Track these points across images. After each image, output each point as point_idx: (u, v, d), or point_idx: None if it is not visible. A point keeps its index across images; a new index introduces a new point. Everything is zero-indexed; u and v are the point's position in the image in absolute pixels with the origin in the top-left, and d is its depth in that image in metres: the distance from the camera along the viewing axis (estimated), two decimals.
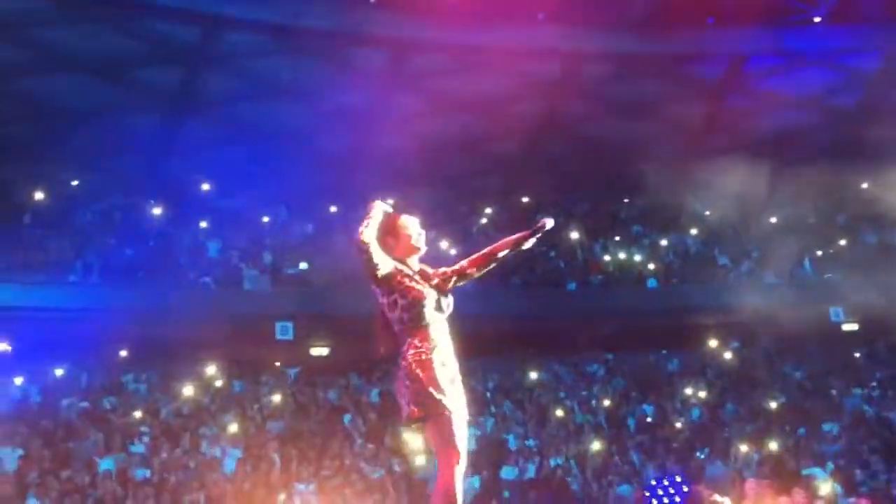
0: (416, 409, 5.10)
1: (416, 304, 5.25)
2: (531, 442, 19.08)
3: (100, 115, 24.08)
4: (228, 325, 20.32)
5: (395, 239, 5.57)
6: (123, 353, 20.75)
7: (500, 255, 5.66)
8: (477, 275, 5.67)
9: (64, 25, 22.58)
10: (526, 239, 5.66)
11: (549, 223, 5.71)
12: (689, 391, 21.94)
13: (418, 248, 5.58)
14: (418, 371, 5.12)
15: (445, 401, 5.12)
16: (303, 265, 22.58)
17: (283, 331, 20.60)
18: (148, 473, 16.08)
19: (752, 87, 27.86)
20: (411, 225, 5.64)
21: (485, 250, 5.72)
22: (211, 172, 25.42)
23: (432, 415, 5.09)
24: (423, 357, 5.17)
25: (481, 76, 26.29)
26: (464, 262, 5.66)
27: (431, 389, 5.10)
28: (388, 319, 5.34)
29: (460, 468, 5.14)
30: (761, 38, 26.44)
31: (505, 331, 22.02)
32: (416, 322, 5.23)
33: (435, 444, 5.20)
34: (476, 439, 19.13)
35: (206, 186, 25.41)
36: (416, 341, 5.20)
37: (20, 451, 15.80)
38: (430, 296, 5.32)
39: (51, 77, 23.30)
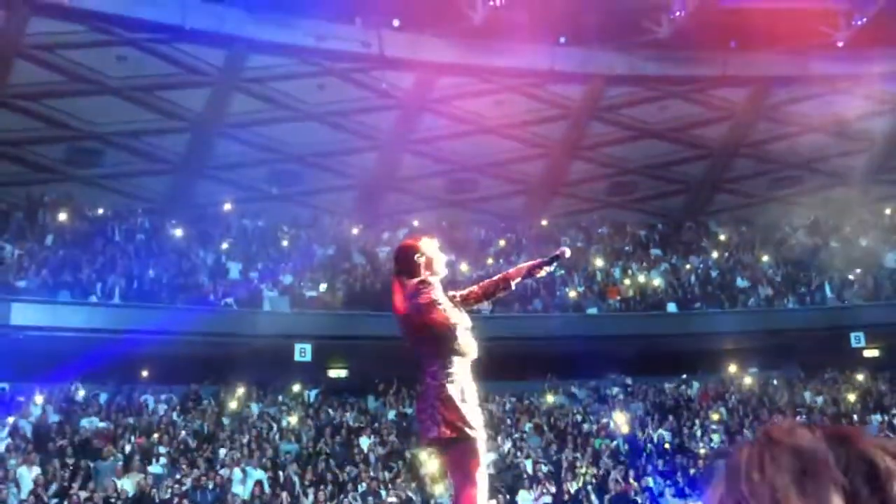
0: (447, 430, 4.98)
1: (452, 329, 5.13)
2: (549, 467, 18.98)
3: (126, 137, 24.44)
4: (248, 346, 20.46)
5: (420, 264, 5.40)
6: (144, 374, 20.91)
7: (514, 282, 5.57)
8: (486, 301, 5.61)
9: (94, 48, 22.96)
10: (541, 267, 5.58)
11: (567, 252, 5.67)
12: (708, 416, 21.76)
13: (440, 272, 5.42)
14: (451, 392, 5.02)
15: (475, 424, 5.07)
16: (322, 287, 22.69)
17: (302, 352, 20.70)
18: (167, 495, 16.15)
19: (779, 110, 27.76)
20: (434, 248, 5.45)
21: (498, 276, 5.65)
22: (233, 194, 25.69)
23: (462, 438, 5.01)
24: (454, 379, 5.07)
25: (505, 98, 26.44)
26: (475, 287, 5.57)
27: (464, 412, 5.02)
28: (411, 335, 5.24)
29: (482, 494, 5.06)
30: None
31: (523, 354, 22.01)
32: (449, 345, 5.13)
33: (459, 467, 5.10)
34: (492, 463, 19.10)
35: (227, 207, 25.61)
36: (445, 362, 5.08)
37: (38, 470, 15.90)
38: (463, 320, 5.24)
39: (80, 99, 23.64)
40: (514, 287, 5.61)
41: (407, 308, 5.19)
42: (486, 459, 5.18)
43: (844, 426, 1.46)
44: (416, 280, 5.22)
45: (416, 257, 5.29)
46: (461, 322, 5.18)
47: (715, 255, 26.87)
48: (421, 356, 5.17)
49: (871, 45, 24.63)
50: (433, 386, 5.07)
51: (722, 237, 27.47)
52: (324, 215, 26.32)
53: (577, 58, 25.70)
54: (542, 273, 5.59)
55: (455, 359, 5.12)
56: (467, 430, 5.03)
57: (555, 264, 5.56)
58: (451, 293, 5.43)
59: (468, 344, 5.17)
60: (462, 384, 5.11)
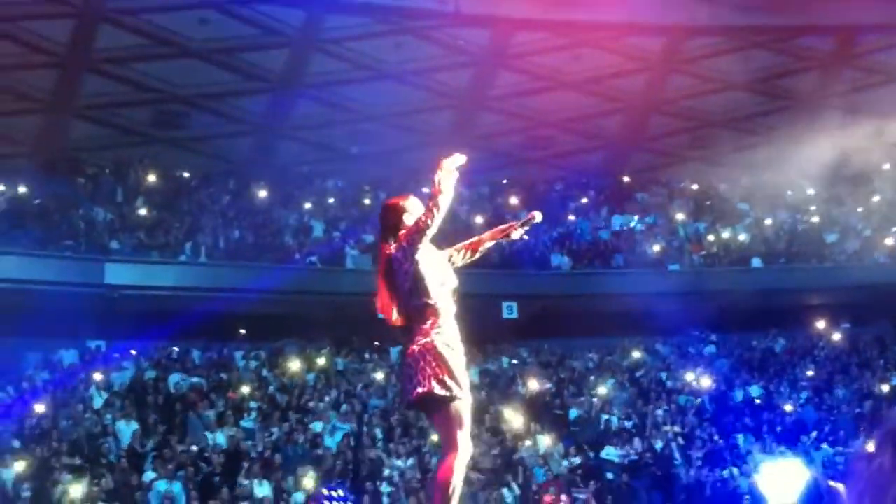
0: (439, 388, 4.90)
1: (424, 280, 5.06)
2: (633, 422, 18.96)
3: (209, 99, 24.81)
4: (333, 304, 20.74)
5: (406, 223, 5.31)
6: (232, 331, 21.37)
7: (483, 247, 5.45)
8: (460, 264, 5.42)
9: (177, 11, 23.29)
10: (513, 229, 5.42)
11: (538, 217, 5.43)
12: (796, 372, 21.48)
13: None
14: (443, 351, 4.96)
15: (464, 384, 5.00)
16: None
17: None
18: (259, 448, 16.55)
19: (866, 59, 26.95)
20: (420, 207, 5.29)
21: (471, 240, 5.51)
22: (315, 154, 25.92)
23: (451, 398, 4.94)
24: (445, 337, 5.01)
25: (583, 52, 26.12)
26: (451, 249, 5.44)
27: (456, 371, 4.96)
28: (397, 290, 5.11)
29: (466, 456, 5.00)
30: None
31: (608, 310, 21.94)
32: (427, 298, 5.02)
33: (448, 427, 5.00)
34: (577, 419, 19.17)
35: (309, 167, 25.87)
36: (433, 320, 5.02)
37: (135, 425, 16.43)
38: (443, 277, 5.17)
39: (165, 62, 24.03)
40: (479, 254, 5.44)
41: (397, 263, 5.10)
42: (469, 423, 5.04)
43: None
44: (403, 234, 5.14)
45: (403, 216, 5.23)
46: (441, 279, 5.13)
47: (806, 208, 26.30)
48: (410, 312, 5.07)
49: None
50: (424, 343, 4.99)
51: (811, 191, 26.86)
52: (403, 174, 26.42)
53: (657, 9, 25.22)
54: (515, 236, 5.45)
55: (444, 317, 5.06)
56: (456, 390, 4.96)
57: (525, 228, 5.41)
58: (447, 250, 5.36)
59: (446, 301, 5.10)
60: (452, 343, 5.06)
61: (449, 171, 5.04)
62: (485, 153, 27.36)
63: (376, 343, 21.76)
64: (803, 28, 26.01)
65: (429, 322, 5.02)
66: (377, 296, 5.16)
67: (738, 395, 20.39)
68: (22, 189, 22.14)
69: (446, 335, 5.03)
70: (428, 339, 4.98)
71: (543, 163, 28.06)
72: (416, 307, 5.04)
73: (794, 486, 16.19)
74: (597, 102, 27.24)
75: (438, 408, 4.98)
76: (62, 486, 14.20)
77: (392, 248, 5.12)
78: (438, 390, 4.91)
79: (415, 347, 4.99)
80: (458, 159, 5.06)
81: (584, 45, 26.22)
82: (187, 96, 24.61)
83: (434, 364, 4.94)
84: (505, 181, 27.22)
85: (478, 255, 5.46)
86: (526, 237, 5.59)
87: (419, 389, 4.94)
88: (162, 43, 23.74)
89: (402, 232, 5.12)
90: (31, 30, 22.86)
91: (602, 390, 20.13)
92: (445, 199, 5.00)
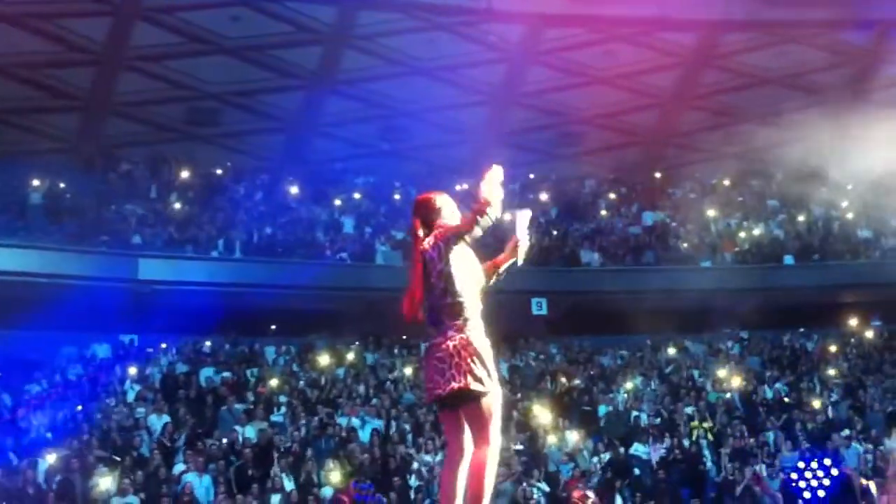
0: (474, 383, 4.94)
1: (458, 280, 5.05)
2: (663, 419, 18.88)
3: (242, 96, 25.05)
4: (363, 299, 20.87)
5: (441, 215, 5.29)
6: (263, 326, 21.55)
7: (500, 270, 5.32)
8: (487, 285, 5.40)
9: (209, 9, 23.54)
10: (515, 245, 5.27)
11: (526, 217, 5.30)
12: (828, 370, 21.27)
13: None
14: (478, 347, 5.00)
15: (495, 379, 5.06)
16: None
17: None
18: (288, 442, 16.68)
19: None
20: (453, 205, 5.32)
21: (486, 263, 5.34)
22: (346, 150, 26.08)
23: (486, 392, 4.98)
24: (477, 333, 5.04)
25: (616, 48, 26.04)
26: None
27: (490, 366, 5.02)
28: (430, 286, 5.06)
29: (497, 449, 5.05)
30: None
31: (638, 307, 21.86)
32: (460, 297, 5.03)
33: (481, 421, 5.02)
34: (606, 415, 19.13)
35: (341, 164, 26.01)
36: (466, 317, 5.04)
37: (167, 418, 16.64)
38: (481, 275, 5.21)
39: (198, 59, 24.30)
40: (496, 277, 5.34)
41: (431, 263, 5.06)
42: (499, 417, 5.08)
43: None
44: (439, 233, 5.11)
45: (434, 212, 5.20)
46: (476, 277, 5.14)
47: (841, 204, 26.03)
48: (443, 309, 5.06)
49: None
50: (460, 339, 5.00)
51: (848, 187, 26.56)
52: (433, 170, 26.48)
53: (690, 4, 25.06)
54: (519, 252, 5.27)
55: (476, 314, 5.09)
56: (489, 385, 5.00)
57: (525, 235, 5.27)
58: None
59: (477, 299, 5.12)
60: (484, 340, 5.10)
61: (494, 184, 4.96)
62: (516, 149, 27.41)
63: (405, 338, 21.85)
64: (838, 22, 25.71)
65: (462, 318, 5.04)
66: (407, 290, 5.12)
67: (769, 393, 20.24)
68: (58, 184, 22.48)
69: (479, 331, 5.08)
70: (463, 335, 5.00)
71: (575, 159, 28.01)
72: (449, 305, 5.06)
73: (826, 483, 16.16)
74: (629, 98, 27.14)
75: (471, 403, 5.02)
76: (94, 479, 14.41)
77: (427, 244, 5.10)
78: (474, 385, 4.95)
79: (449, 343, 5.00)
80: (499, 172, 4.97)
81: (616, 40, 26.15)
82: (220, 93, 24.90)
83: (469, 360, 4.97)
84: (535, 177, 27.18)
85: (497, 277, 5.37)
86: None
87: (453, 385, 4.96)
88: (195, 40, 24.04)
89: (439, 230, 5.11)
90: (69, 28, 23.25)
91: (631, 386, 20.06)
92: (493, 212, 4.95)
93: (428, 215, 5.22)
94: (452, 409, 5.07)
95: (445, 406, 5.11)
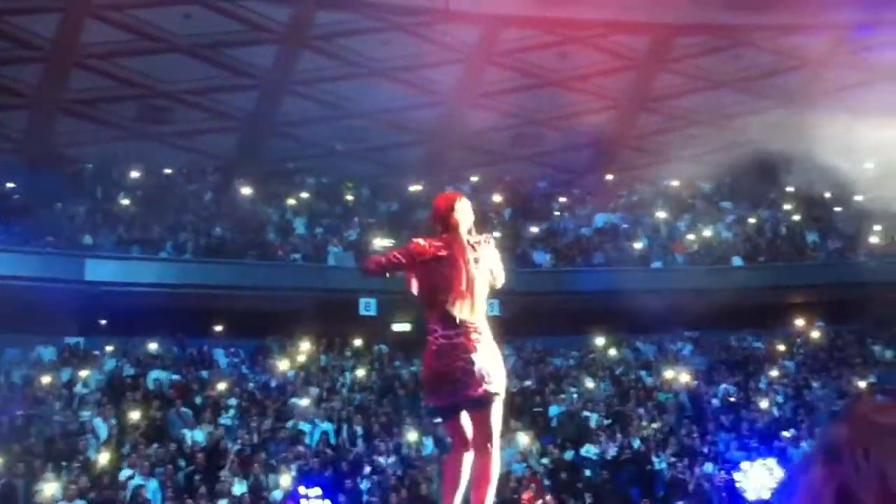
0: (497, 386, 5.03)
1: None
2: (613, 420, 19.00)
3: (194, 95, 24.81)
4: (314, 301, 20.79)
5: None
6: (213, 328, 21.39)
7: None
8: None
9: (161, 7, 23.29)
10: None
11: None
12: (775, 370, 21.54)
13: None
14: (497, 351, 5.13)
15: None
16: (387, 242, 22.85)
17: (367, 307, 20.96)
18: (238, 445, 16.54)
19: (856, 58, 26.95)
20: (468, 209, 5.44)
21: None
22: (300, 150, 25.94)
23: (502, 395, 5.08)
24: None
25: (571, 50, 26.15)
26: None
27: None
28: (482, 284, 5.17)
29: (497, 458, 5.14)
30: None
31: (589, 308, 21.99)
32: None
33: (497, 424, 5.10)
34: (557, 416, 19.21)
35: (294, 164, 25.88)
36: (482, 314, 5.13)
37: (114, 422, 16.43)
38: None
39: (150, 57, 24.04)
40: None
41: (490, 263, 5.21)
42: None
43: None
44: (481, 235, 5.26)
45: (457, 213, 5.25)
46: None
47: (786, 207, 26.39)
48: (479, 304, 5.14)
49: None
50: (489, 340, 5.10)
51: (792, 189, 26.95)
52: (388, 171, 26.45)
53: (644, 7, 25.23)
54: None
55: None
56: (504, 387, 5.12)
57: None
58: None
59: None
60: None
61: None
62: (470, 151, 27.46)
63: (357, 340, 21.81)
64: (789, 26, 26.01)
65: (485, 321, 5.14)
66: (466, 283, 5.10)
67: (717, 393, 20.45)
68: (5, 184, 22.13)
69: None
70: (491, 338, 5.10)
71: (529, 160, 28.10)
72: (483, 308, 5.15)
73: (770, 484, 16.34)
74: (583, 100, 27.25)
75: (492, 406, 5.08)
76: (38, 484, 14.20)
77: (479, 244, 5.18)
78: (498, 390, 5.06)
79: (476, 345, 5.03)
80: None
81: (571, 42, 26.25)
82: (172, 92, 24.62)
83: (497, 361, 5.10)
84: (489, 178, 27.24)
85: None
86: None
87: (496, 387, 5.05)
88: (147, 38, 23.76)
89: (486, 237, 5.26)
90: (17, 24, 22.88)
91: (582, 388, 20.16)
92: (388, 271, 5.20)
93: (437, 217, 5.30)
94: (472, 410, 5.07)
95: (465, 407, 5.10)
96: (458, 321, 5.02)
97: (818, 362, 21.94)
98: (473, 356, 4.99)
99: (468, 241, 5.14)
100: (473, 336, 5.02)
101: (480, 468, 5.10)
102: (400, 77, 25.76)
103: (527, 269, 23.08)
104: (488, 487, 5.08)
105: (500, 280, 5.29)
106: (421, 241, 5.23)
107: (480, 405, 5.05)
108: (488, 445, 5.08)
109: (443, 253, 5.11)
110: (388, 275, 5.28)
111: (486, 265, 5.17)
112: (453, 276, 5.05)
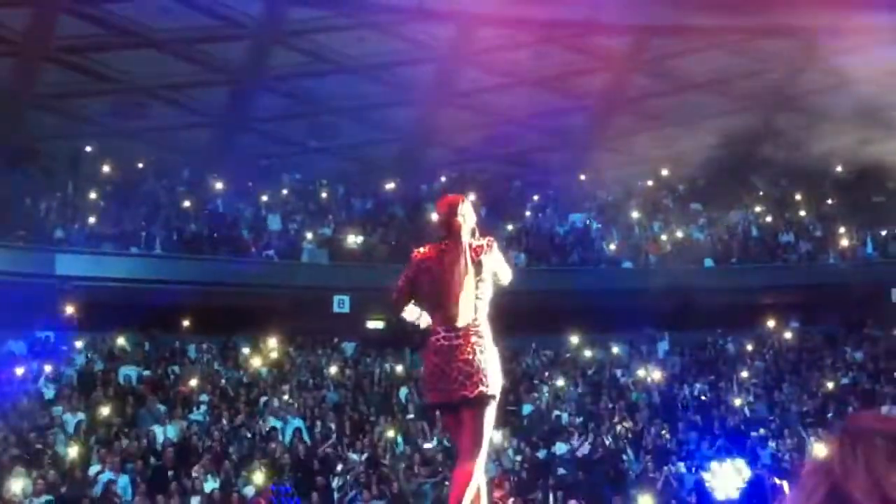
0: (493, 389, 5.05)
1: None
2: (585, 419, 19.07)
3: (168, 90, 24.64)
4: (288, 298, 20.72)
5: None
6: (185, 324, 21.26)
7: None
8: None
9: (135, 1, 23.12)
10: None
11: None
12: (745, 371, 21.70)
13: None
14: (496, 353, 5.13)
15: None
16: (360, 239, 22.85)
17: (340, 304, 20.92)
18: (208, 442, 16.46)
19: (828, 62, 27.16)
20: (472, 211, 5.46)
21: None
22: (273, 147, 25.83)
23: (497, 397, 5.11)
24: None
25: (546, 49, 26.19)
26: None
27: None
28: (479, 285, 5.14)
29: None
30: None
31: (560, 307, 22.06)
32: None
33: (489, 427, 5.11)
34: (529, 416, 19.26)
35: (268, 161, 25.78)
36: (483, 316, 5.13)
37: (83, 416, 16.30)
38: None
39: (123, 52, 23.84)
40: None
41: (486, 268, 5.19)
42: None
43: None
44: (488, 242, 5.25)
45: (459, 216, 5.23)
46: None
47: (758, 209, 26.60)
48: (480, 306, 5.14)
49: None
50: (486, 342, 5.11)
51: (764, 192, 27.19)
52: (362, 169, 26.40)
53: (620, 8, 25.31)
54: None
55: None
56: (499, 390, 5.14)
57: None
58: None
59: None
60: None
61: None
62: (444, 149, 27.46)
63: (330, 337, 21.76)
64: (765, 28, 26.17)
65: (486, 324, 5.13)
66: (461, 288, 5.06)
67: (689, 393, 20.58)
68: None
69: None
70: (488, 338, 5.10)
71: (503, 159, 28.13)
72: (484, 311, 5.15)
73: (739, 483, 16.46)
74: (559, 100, 27.32)
75: (487, 408, 5.07)
76: (7, 479, 14.04)
77: (482, 248, 5.16)
78: (494, 391, 5.07)
79: (476, 347, 5.04)
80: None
81: (546, 42, 26.29)
82: (145, 87, 24.43)
83: (495, 362, 5.10)
84: (463, 177, 27.24)
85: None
86: None
87: (495, 389, 5.06)
88: (121, 33, 23.57)
89: (488, 240, 5.24)
90: None
91: (554, 386, 20.22)
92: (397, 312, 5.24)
93: (444, 219, 5.29)
94: (469, 409, 5.05)
95: (462, 407, 5.08)
96: (458, 324, 5.05)
97: (789, 363, 22.13)
98: (471, 357, 5.03)
99: (470, 244, 5.15)
100: (473, 339, 5.06)
101: (465, 468, 5.08)
102: (373, 74, 25.70)
103: None
104: (467, 489, 5.03)
105: (506, 280, 5.33)
106: (421, 248, 5.29)
107: (474, 405, 5.06)
108: (477, 446, 5.08)
109: (444, 258, 5.13)
110: (413, 299, 5.26)
111: (488, 268, 5.18)
112: (454, 281, 5.06)
